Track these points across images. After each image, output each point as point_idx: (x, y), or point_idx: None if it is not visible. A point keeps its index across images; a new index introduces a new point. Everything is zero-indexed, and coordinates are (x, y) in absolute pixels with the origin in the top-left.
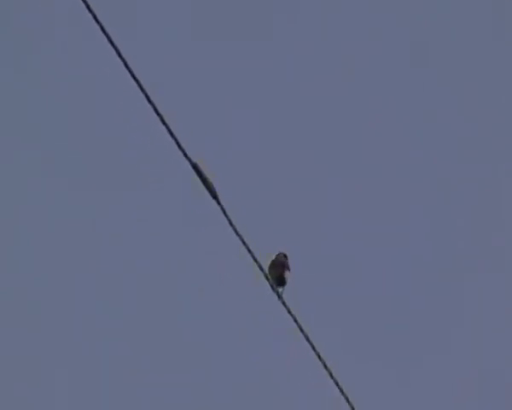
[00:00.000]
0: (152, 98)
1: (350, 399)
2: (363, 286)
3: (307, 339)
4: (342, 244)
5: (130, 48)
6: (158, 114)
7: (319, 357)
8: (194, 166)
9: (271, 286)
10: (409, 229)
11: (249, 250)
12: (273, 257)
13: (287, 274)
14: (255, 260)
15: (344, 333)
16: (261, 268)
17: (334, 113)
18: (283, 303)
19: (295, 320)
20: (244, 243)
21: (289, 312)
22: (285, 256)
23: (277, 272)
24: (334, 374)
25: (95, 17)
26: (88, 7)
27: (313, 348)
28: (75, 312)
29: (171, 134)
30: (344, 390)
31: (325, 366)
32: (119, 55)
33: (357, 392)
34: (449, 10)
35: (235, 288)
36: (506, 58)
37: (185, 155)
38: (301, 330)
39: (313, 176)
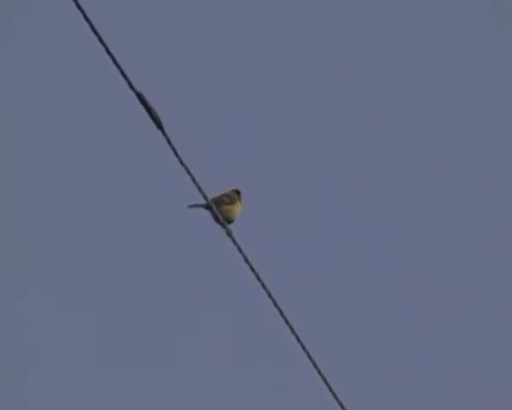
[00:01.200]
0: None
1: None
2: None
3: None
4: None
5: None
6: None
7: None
8: (139, 96)
9: (221, 222)
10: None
11: (195, 182)
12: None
13: (229, 210)
14: (200, 189)
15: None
16: (206, 198)
17: (332, 110)
18: (233, 240)
19: (245, 258)
20: (190, 173)
21: (234, 242)
22: (237, 192)
23: (222, 210)
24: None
25: None
26: None
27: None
28: (75, 312)
29: (116, 64)
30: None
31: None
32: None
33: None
34: (449, 10)
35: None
36: (506, 57)
37: (130, 85)
38: (252, 269)
39: (265, 111)
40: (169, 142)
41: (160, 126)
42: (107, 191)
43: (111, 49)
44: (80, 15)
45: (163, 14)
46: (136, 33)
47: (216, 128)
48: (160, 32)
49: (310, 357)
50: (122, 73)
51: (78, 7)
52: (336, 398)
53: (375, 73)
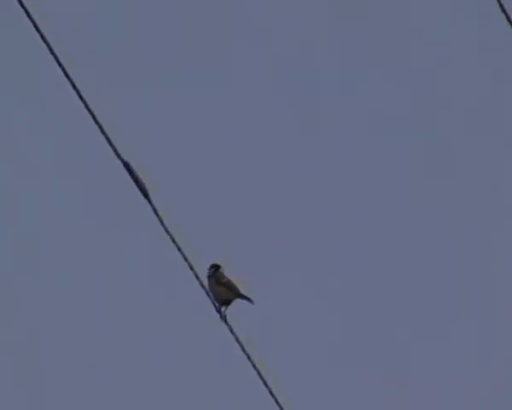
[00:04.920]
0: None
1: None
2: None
3: (254, 366)
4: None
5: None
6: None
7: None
8: (126, 165)
9: (213, 304)
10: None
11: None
12: (215, 272)
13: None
14: (186, 259)
15: None
16: (192, 268)
17: None
18: (226, 323)
19: (241, 346)
20: (175, 243)
21: (232, 331)
22: (218, 267)
23: (228, 296)
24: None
25: None
26: None
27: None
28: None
29: (103, 132)
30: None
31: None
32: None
33: None
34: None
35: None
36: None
37: (117, 153)
38: (248, 357)
39: (246, 176)
40: (155, 211)
41: (146, 195)
42: (118, 257)
43: (98, 118)
44: (68, 83)
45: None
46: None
47: (205, 194)
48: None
49: None
50: (108, 141)
51: (65, 73)
52: None
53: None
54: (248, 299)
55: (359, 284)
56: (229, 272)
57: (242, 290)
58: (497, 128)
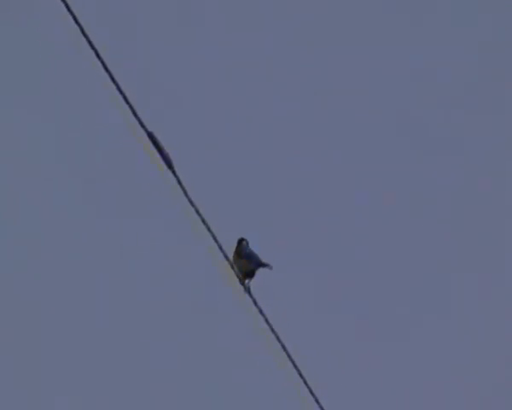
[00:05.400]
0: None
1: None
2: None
3: (278, 339)
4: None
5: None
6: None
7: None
8: (150, 136)
9: (237, 277)
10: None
11: (209, 229)
12: (238, 246)
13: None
14: (214, 237)
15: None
16: (217, 240)
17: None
18: (250, 295)
19: (264, 316)
20: (200, 215)
21: (256, 304)
22: (241, 241)
23: (249, 267)
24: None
25: None
26: None
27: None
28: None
29: (127, 102)
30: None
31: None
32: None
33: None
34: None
35: (190, 266)
36: None
37: (141, 124)
38: (272, 329)
39: (273, 155)
40: (179, 182)
41: (170, 166)
42: (115, 233)
43: (122, 88)
44: (93, 54)
45: (176, 54)
46: (148, 70)
47: (227, 169)
48: (173, 72)
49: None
50: (133, 112)
51: (92, 47)
52: None
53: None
54: (268, 266)
55: (362, 281)
56: (253, 246)
57: (263, 260)
58: None
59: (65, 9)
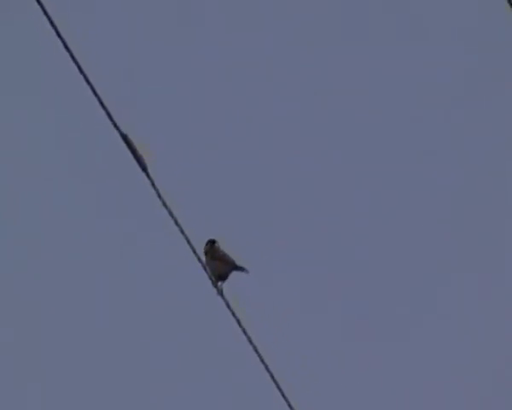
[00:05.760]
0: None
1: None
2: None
3: (250, 342)
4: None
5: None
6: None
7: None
8: (125, 138)
9: (210, 279)
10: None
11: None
12: (211, 247)
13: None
14: (183, 233)
15: None
16: (189, 242)
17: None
18: (223, 298)
19: (237, 319)
20: (173, 217)
21: (228, 306)
22: (213, 242)
23: (223, 270)
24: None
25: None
26: None
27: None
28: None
29: (102, 105)
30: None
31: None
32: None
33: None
34: None
35: (164, 268)
36: None
37: (115, 126)
38: (244, 332)
39: (243, 151)
40: (153, 184)
41: (144, 168)
42: (90, 236)
43: (97, 90)
44: (68, 55)
45: (175, 54)
46: (124, 72)
47: (203, 172)
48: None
49: None
50: (108, 114)
51: (66, 47)
52: None
53: None
54: (243, 269)
55: (361, 281)
56: (224, 247)
57: (237, 262)
58: None
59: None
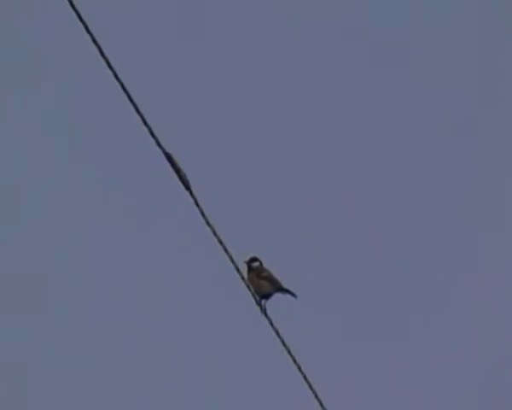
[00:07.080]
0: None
1: None
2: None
3: (289, 353)
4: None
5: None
6: (132, 102)
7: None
8: (168, 157)
9: (253, 297)
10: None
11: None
12: (258, 266)
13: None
14: (227, 253)
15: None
16: (233, 260)
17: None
18: (267, 317)
19: (281, 340)
20: (216, 235)
21: (272, 324)
22: (256, 260)
23: (270, 290)
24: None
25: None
26: None
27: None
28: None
29: (145, 123)
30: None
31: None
32: (95, 42)
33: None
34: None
35: (208, 287)
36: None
37: (159, 144)
38: (289, 352)
39: (288, 172)
40: (197, 203)
41: (188, 187)
42: (133, 248)
43: (140, 109)
44: (112, 75)
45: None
46: (165, 92)
47: (243, 187)
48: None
49: None
50: (151, 132)
51: (110, 67)
52: None
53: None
54: (291, 293)
55: (361, 281)
56: (266, 265)
57: (284, 284)
58: None
59: (69, 10)
